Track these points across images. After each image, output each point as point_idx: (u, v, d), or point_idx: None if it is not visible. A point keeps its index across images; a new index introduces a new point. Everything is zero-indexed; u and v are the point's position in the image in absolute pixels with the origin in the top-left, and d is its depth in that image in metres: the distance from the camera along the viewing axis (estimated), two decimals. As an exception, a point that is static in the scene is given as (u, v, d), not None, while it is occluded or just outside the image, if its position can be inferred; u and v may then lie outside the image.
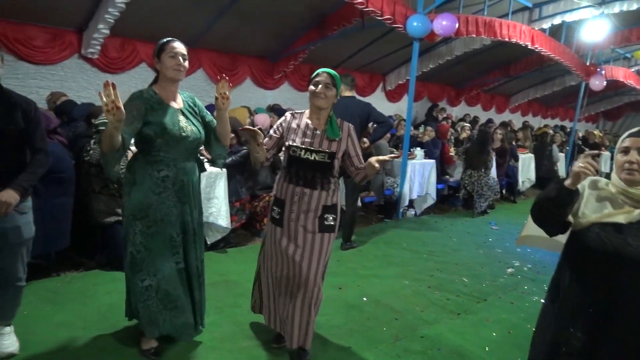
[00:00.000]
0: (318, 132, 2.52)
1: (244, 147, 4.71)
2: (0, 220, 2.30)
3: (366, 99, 5.49)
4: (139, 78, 7.34)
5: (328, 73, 2.51)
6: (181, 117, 2.47)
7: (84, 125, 4.40)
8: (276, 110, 7.28)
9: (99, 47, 6.61)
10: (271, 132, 2.65)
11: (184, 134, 2.43)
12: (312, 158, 2.48)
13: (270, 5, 6.88)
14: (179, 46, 2.44)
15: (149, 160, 2.43)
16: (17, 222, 2.39)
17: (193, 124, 2.51)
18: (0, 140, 2.27)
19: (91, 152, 3.69)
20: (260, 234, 5.13)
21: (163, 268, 2.48)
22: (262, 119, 6.22)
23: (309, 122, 2.54)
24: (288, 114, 2.65)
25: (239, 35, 7.70)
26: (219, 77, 2.48)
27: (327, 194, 2.54)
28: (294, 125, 2.57)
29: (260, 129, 2.42)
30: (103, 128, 3.79)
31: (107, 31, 6.28)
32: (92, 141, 3.74)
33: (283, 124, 2.61)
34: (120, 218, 3.70)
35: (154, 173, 2.42)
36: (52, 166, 3.35)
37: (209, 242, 4.43)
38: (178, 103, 2.51)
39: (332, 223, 2.56)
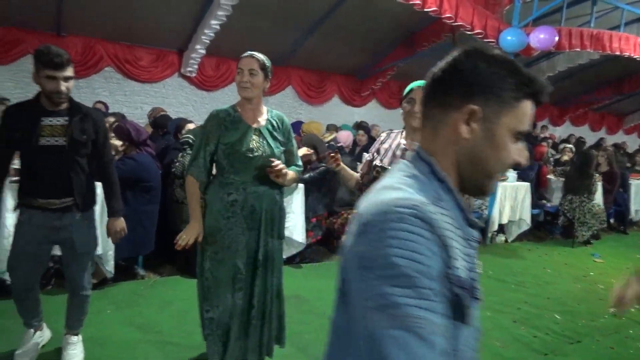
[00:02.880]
0: (410, 153, 2.33)
1: (323, 164, 4.70)
2: (67, 231, 2.41)
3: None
4: (232, 95, 7.73)
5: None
6: (255, 137, 2.31)
7: (173, 138, 4.70)
8: (364, 128, 7.24)
9: (196, 66, 7.08)
10: (368, 155, 2.48)
11: (251, 154, 2.28)
12: None
13: (358, 23, 6.91)
14: (247, 61, 2.28)
15: (221, 182, 2.34)
16: (84, 233, 2.48)
17: (268, 144, 2.34)
18: (72, 149, 2.37)
19: (177, 164, 3.89)
20: (337, 251, 5.06)
21: (225, 300, 2.34)
22: (345, 136, 6.19)
23: (403, 142, 2.28)
24: (384, 133, 2.44)
25: (327, 53, 7.82)
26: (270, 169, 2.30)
27: None
28: (386, 144, 2.35)
29: (341, 146, 2.33)
30: (186, 139, 4.03)
31: (203, 51, 6.71)
32: (180, 154, 3.95)
33: (376, 145, 2.40)
34: (201, 228, 3.84)
35: (224, 196, 2.31)
36: (141, 175, 3.61)
37: (284, 257, 4.44)
38: (258, 121, 2.36)
39: None
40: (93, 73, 6.71)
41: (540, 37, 5.54)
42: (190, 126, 4.59)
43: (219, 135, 2.30)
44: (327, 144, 5.53)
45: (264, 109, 2.43)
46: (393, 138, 2.36)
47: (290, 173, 2.41)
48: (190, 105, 7.56)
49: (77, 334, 2.67)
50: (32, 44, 6.18)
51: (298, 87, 8.42)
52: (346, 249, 0.81)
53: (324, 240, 5.12)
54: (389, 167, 2.24)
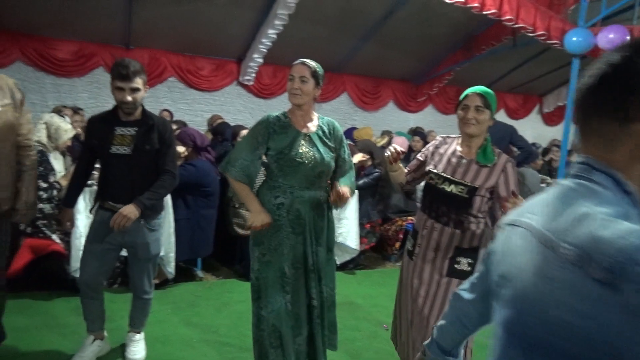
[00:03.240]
0: (465, 161, 2.20)
1: (377, 170, 4.68)
2: (131, 236, 2.53)
3: (519, 122, 5.08)
4: (287, 102, 7.80)
5: (479, 94, 2.15)
6: (304, 142, 2.31)
7: (230, 145, 4.85)
8: (419, 134, 7.14)
9: (254, 75, 7.27)
10: (418, 155, 2.45)
11: (299, 159, 2.28)
12: (449, 189, 2.18)
13: (414, 29, 6.83)
14: (298, 68, 2.30)
15: (270, 185, 2.37)
16: (147, 239, 2.58)
17: (318, 150, 2.33)
18: (138, 158, 2.47)
19: (235, 169, 4.01)
20: (391, 258, 5.02)
21: (273, 302, 2.33)
22: (399, 142, 6.12)
23: (459, 149, 2.25)
24: (439, 137, 2.40)
25: (382, 59, 7.78)
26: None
27: (464, 234, 2.19)
28: (441, 150, 2.31)
29: (396, 149, 2.28)
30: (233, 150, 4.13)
31: (261, 60, 6.88)
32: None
33: (430, 148, 2.38)
34: (257, 232, 3.94)
35: (272, 199, 2.33)
36: (200, 181, 3.76)
37: (338, 262, 4.46)
38: (308, 127, 2.37)
39: (465, 268, 2.19)
40: (158, 83, 7.05)
41: (610, 37, 5.23)
42: (244, 132, 4.72)
43: (267, 139, 2.32)
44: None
45: (315, 115, 2.44)
46: (449, 144, 2.31)
47: (345, 191, 2.32)
48: (247, 112, 7.76)
49: (139, 332, 2.80)
50: (104, 57, 6.61)
51: (353, 93, 8.44)
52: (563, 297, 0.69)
53: (378, 247, 5.09)
54: (442, 174, 2.20)
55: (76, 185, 2.63)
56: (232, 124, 6.51)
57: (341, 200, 2.29)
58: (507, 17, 5.06)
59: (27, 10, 5.69)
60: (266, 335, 2.35)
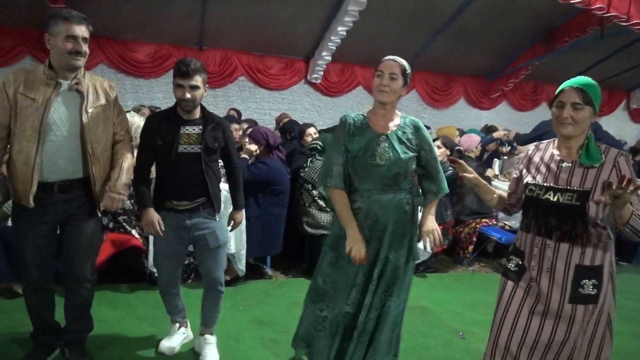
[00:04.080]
0: (567, 164, 1.91)
1: (451, 167, 4.48)
2: (199, 229, 2.55)
3: (603, 120, 4.70)
4: (355, 100, 7.80)
5: (577, 88, 1.85)
6: (381, 144, 2.23)
7: (298, 143, 4.84)
8: (493, 132, 6.76)
9: (321, 73, 7.27)
10: (514, 172, 2.22)
11: (373, 161, 2.20)
12: (555, 199, 1.88)
13: (490, 21, 6.52)
14: (388, 64, 2.20)
15: (349, 189, 2.30)
16: (213, 227, 2.59)
17: (394, 149, 2.22)
18: (206, 155, 2.51)
19: (307, 169, 3.99)
20: (463, 262, 4.80)
21: (340, 305, 2.30)
22: (466, 141, 5.79)
23: (556, 153, 1.97)
24: (531, 146, 2.14)
25: (454, 54, 7.51)
26: None
27: (583, 250, 1.88)
28: (535, 158, 2.03)
29: (459, 150, 2.13)
30: (314, 145, 4.10)
31: (329, 58, 6.86)
32: (309, 159, 4.04)
33: (524, 160, 2.10)
34: (326, 232, 3.89)
35: (350, 204, 2.27)
36: (271, 179, 3.76)
37: (408, 265, 4.33)
38: (387, 128, 2.27)
39: (591, 292, 1.88)
40: (228, 82, 7.22)
41: None
42: (311, 130, 4.68)
43: (347, 141, 2.27)
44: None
45: (397, 114, 2.33)
46: (543, 150, 2.04)
47: (431, 217, 2.38)
48: (314, 110, 7.78)
49: (212, 333, 2.78)
50: (178, 58, 6.85)
51: (422, 90, 8.22)
52: None
53: (450, 250, 4.89)
54: (543, 184, 1.93)
55: (143, 187, 2.57)
56: (300, 122, 6.54)
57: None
58: (598, 6, 4.68)
59: (110, 16, 6.00)
60: (327, 334, 2.32)
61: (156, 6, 5.89)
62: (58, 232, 2.44)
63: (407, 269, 2.34)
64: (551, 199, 1.91)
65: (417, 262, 4.28)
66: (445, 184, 2.38)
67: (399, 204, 2.26)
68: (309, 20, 6.40)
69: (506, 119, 8.71)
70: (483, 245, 4.89)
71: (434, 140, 4.86)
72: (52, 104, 2.19)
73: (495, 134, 6.38)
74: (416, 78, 8.02)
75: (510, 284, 2.04)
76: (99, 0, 5.66)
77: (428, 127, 7.39)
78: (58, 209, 2.30)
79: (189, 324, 2.89)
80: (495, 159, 6.19)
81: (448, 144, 4.60)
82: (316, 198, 3.95)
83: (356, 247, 2.17)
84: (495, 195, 2.18)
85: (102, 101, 2.34)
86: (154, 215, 2.45)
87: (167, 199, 2.51)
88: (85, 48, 2.22)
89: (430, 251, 4.30)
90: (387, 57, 2.26)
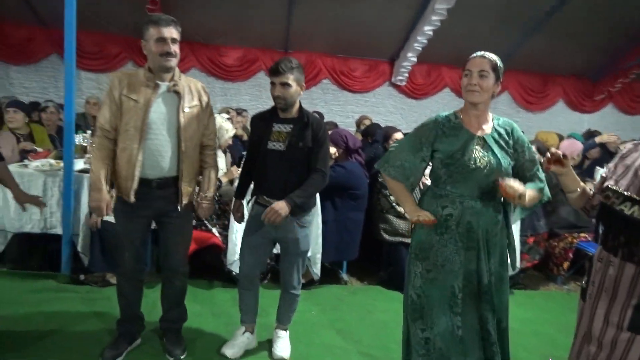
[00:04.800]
0: None
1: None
2: (283, 231, 2.57)
3: None
4: (441, 103, 7.52)
5: None
6: (477, 146, 2.08)
7: (382, 147, 4.71)
8: (593, 136, 6.16)
9: (406, 75, 7.10)
10: (603, 170, 2.01)
11: (473, 165, 2.04)
12: (630, 212, 1.61)
13: (594, 16, 5.96)
14: (477, 62, 2.05)
15: (436, 194, 2.16)
16: (297, 235, 2.59)
17: (494, 155, 2.06)
18: (290, 154, 2.51)
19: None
20: (557, 280, 4.40)
21: (439, 322, 2.11)
22: (567, 146, 5.29)
23: None
24: (629, 144, 1.86)
25: (552, 53, 6.96)
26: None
27: None
28: (628, 160, 1.75)
29: (563, 156, 1.86)
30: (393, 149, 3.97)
31: (414, 59, 6.67)
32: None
33: (616, 159, 1.84)
34: (405, 240, 3.75)
35: (438, 209, 2.11)
36: (349, 183, 3.69)
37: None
38: (482, 129, 2.12)
39: None
40: (312, 85, 7.29)
41: None
42: (397, 135, 4.53)
43: (433, 141, 2.12)
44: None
45: (490, 116, 2.16)
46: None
47: (530, 192, 2.00)
48: (398, 113, 7.61)
49: (285, 329, 2.85)
50: (265, 61, 7.05)
51: (515, 92, 7.73)
52: None
53: (541, 265, 4.49)
54: (623, 192, 1.64)
55: (245, 178, 2.76)
56: (382, 125, 6.43)
57: (508, 191, 1.92)
58: None
59: (202, 22, 6.31)
60: (433, 357, 2.14)
61: (245, 11, 6.09)
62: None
63: (503, 281, 2.18)
64: (625, 211, 1.63)
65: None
66: (547, 189, 2.16)
67: (493, 212, 2.11)
68: (394, 20, 6.27)
69: (612, 123, 7.91)
70: (581, 263, 4.42)
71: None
72: (152, 105, 2.33)
73: (599, 139, 5.78)
74: (508, 79, 7.55)
75: (580, 301, 1.84)
76: (192, 8, 5.96)
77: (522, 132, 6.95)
78: (154, 205, 2.45)
79: (255, 331, 2.86)
80: (598, 168, 5.60)
81: (542, 149, 4.24)
82: (394, 204, 3.81)
83: (421, 213, 2.09)
84: (578, 189, 1.88)
85: (196, 102, 2.44)
86: (237, 207, 2.77)
87: (259, 193, 2.62)
88: (174, 48, 2.31)
89: (519, 266, 3.99)
90: (474, 54, 2.10)
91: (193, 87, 2.46)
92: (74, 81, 3.41)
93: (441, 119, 2.15)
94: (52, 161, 3.63)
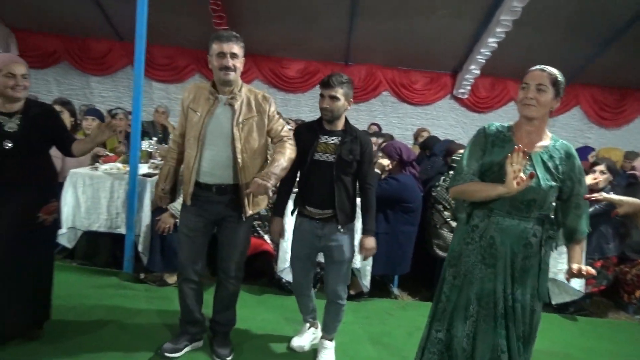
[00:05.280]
0: None
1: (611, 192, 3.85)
2: (327, 239, 2.61)
3: None
4: (505, 117, 7.25)
5: None
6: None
7: (441, 161, 4.60)
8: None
9: (469, 88, 6.93)
10: None
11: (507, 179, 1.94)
12: None
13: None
14: (535, 75, 1.96)
15: (470, 202, 2.11)
16: (341, 242, 2.62)
17: (537, 177, 1.95)
18: (338, 166, 2.55)
19: (439, 188, 3.78)
20: (628, 309, 4.07)
21: (457, 327, 2.07)
22: None
23: None
24: None
25: (629, 66, 6.53)
26: (516, 148, 1.85)
27: None
28: None
29: (634, 175, 1.75)
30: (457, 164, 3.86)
31: (477, 72, 6.50)
32: (442, 178, 3.83)
33: None
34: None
35: (467, 218, 2.10)
36: (402, 196, 3.64)
37: (553, 302, 3.81)
38: (532, 147, 2.00)
39: None
40: (372, 97, 7.29)
41: None
42: (462, 152, 4.39)
43: (482, 150, 2.06)
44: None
45: (548, 135, 2.04)
46: None
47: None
48: (459, 127, 7.43)
49: (331, 339, 2.84)
50: (325, 73, 7.07)
51: (588, 107, 7.30)
52: None
53: (609, 291, 4.18)
54: None
55: (284, 193, 2.80)
56: (442, 138, 6.29)
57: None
58: None
59: (266, 36, 6.51)
60: (444, 357, 2.10)
61: (307, 25, 6.22)
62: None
63: (534, 311, 2.03)
64: None
65: (565, 301, 3.81)
66: (585, 224, 2.04)
67: (522, 233, 1.98)
68: (457, 32, 6.15)
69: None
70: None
71: (594, 164, 4.24)
72: (210, 117, 2.47)
73: None
74: (580, 93, 7.18)
75: None
76: (256, 23, 6.17)
77: (592, 149, 6.56)
78: (214, 209, 2.56)
79: (319, 326, 2.96)
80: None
81: (613, 168, 3.97)
82: (448, 219, 3.71)
83: (508, 184, 1.87)
84: None
85: (254, 113, 2.52)
86: (278, 225, 2.76)
87: (303, 205, 2.66)
88: (233, 63, 2.41)
89: (583, 290, 3.74)
90: (534, 67, 2.01)
91: (253, 99, 2.54)
92: (141, 91, 3.63)
93: (491, 130, 2.08)
94: (120, 165, 3.87)
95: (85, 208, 3.67)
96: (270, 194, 2.48)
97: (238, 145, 2.46)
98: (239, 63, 2.44)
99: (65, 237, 3.67)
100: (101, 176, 3.70)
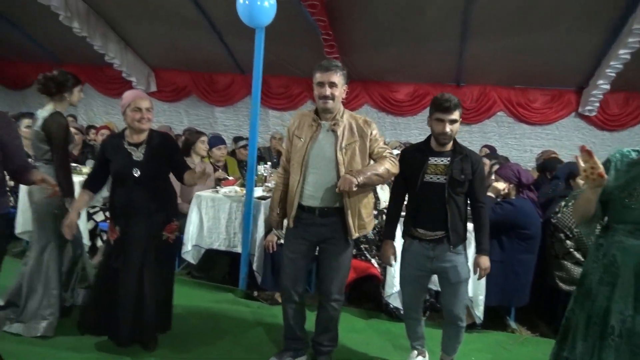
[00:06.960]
0: None
1: None
2: (442, 261, 2.57)
3: None
4: (642, 135, 6.49)
5: None
6: None
7: (563, 184, 4.25)
8: None
9: (597, 104, 6.34)
10: None
11: (627, 202, 1.89)
12: None
13: None
14: None
15: (601, 223, 2.06)
16: (455, 262, 2.57)
17: None
18: (450, 187, 2.51)
19: (559, 214, 3.48)
20: None
21: (578, 347, 1.99)
22: None
23: None
24: None
25: None
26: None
27: None
28: None
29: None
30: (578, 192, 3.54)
31: (607, 86, 5.93)
32: (562, 203, 3.53)
33: None
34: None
35: (595, 236, 2.08)
36: (518, 221, 3.42)
37: None
38: None
39: None
40: (485, 118, 6.98)
41: None
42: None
43: (616, 173, 1.95)
44: None
45: None
46: None
47: None
48: (587, 146, 6.78)
49: (452, 358, 2.83)
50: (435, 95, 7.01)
51: None
52: None
53: None
54: None
55: (394, 216, 2.82)
56: (566, 160, 5.81)
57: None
58: None
59: (375, 62, 6.61)
60: None
61: (416, 49, 6.20)
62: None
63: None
64: None
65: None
66: None
67: None
68: (582, 45, 5.67)
69: None
70: None
71: None
72: (313, 143, 2.58)
73: None
74: None
75: None
76: (366, 49, 6.30)
77: None
78: (317, 231, 2.65)
79: (427, 355, 2.91)
80: None
81: None
82: (571, 250, 3.38)
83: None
84: None
85: (356, 137, 2.60)
86: (390, 248, 2.75)
87: (413, 227, 2.64)
88: (331, 92, 2.52)
89: None
90: None
91: (354, 124, 2.61)
92: (257, 119, 3.89)
93: (621, 155, 1.98)
94: (238, 188, 4.16)
95: (207, 227, 3.99)
96: (355, 188, 2.44)
97: (342, 169, 2.53)
98: (337, 92, 2.53)
99: (190, 254, 4.02)
100: (221, 198, 4.00)
